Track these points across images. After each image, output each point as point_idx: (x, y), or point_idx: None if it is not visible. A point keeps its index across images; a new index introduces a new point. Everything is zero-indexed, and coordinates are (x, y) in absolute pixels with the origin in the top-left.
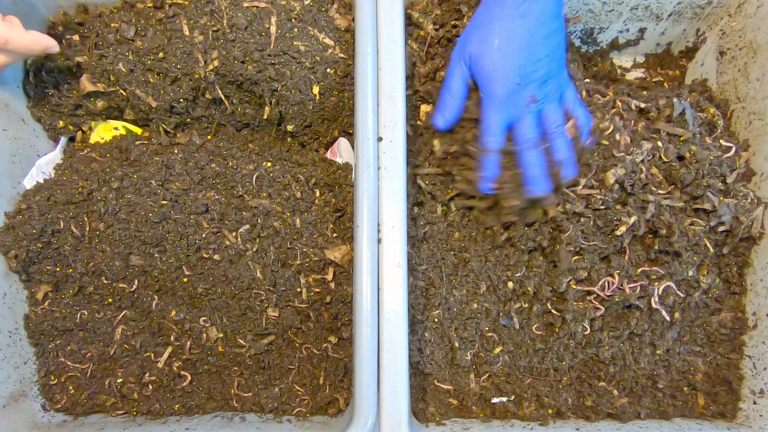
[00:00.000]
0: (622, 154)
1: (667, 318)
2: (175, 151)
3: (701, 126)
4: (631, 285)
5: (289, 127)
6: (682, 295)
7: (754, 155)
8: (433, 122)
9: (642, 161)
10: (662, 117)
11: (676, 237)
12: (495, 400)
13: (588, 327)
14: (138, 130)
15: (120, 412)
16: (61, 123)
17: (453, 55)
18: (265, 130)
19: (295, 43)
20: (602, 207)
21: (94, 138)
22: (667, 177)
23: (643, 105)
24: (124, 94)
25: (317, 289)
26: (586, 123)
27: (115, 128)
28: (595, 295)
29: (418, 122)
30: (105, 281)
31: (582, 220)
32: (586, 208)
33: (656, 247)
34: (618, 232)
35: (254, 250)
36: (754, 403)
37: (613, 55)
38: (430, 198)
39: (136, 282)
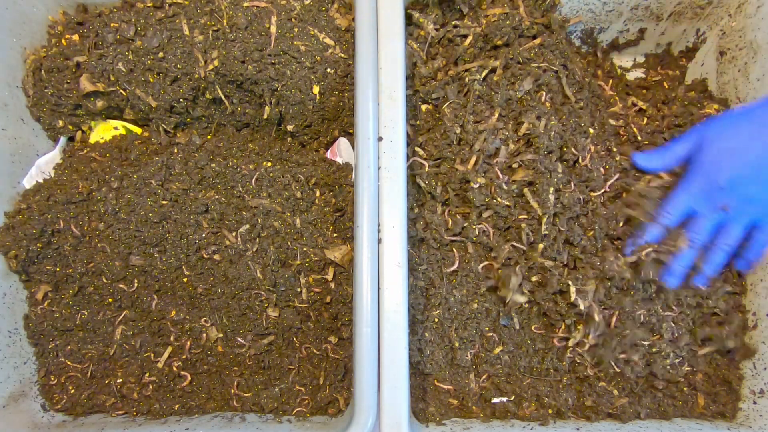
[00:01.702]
0: None
1: (668, 318)
2: (175, 150)
3: None
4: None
5: (289, 127)
6: (682, 298)
7: None
8: (636, 158)
9: None
10: None
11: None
12: (495, 400)
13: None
14: (138, 130)
15: (120, 412)
16: (61, 123)
17: (697, 127)
18: (265, 130)
19: (295, 42)
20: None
21: (93, 138)
22: None
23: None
24: (124, 93)
25: (317, 289)
26: (750, 261)
27: (115, 128)
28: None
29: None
30: (105, 281)
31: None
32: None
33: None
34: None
35: (254, 250)
36: (754, 403)
37: (613, 55)
38: (430, 198)
39: (136, 282)
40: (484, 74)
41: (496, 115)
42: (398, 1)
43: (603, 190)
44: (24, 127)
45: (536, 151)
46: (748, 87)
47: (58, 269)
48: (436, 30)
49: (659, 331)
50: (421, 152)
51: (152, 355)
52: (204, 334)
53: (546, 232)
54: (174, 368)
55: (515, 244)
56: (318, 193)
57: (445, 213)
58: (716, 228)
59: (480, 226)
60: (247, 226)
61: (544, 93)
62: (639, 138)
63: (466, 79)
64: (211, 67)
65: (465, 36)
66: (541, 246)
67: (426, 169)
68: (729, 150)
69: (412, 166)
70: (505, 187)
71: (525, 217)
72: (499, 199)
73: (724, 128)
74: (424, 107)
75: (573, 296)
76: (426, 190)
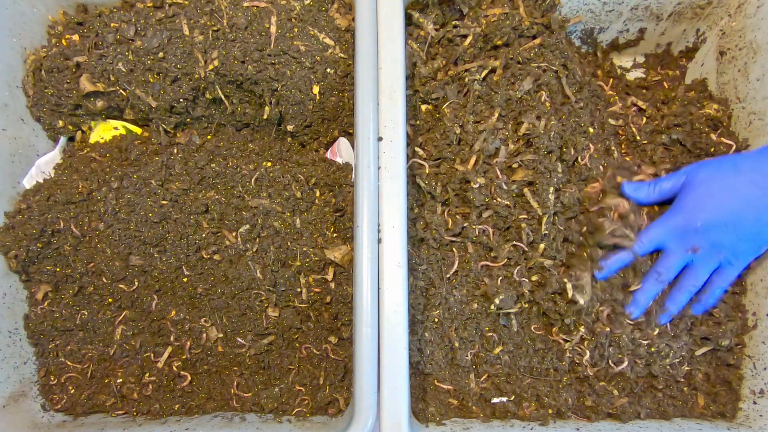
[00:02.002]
0: None
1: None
2: (175, 151)
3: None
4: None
5: (289, 127)
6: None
7: None
8: (625, 187)
9: None
10: None
11: None
12: (495, 400)
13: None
14: (138, 130)
15: (120, 412)
16: (61, 123)
17: (688, 168)
18: (265, 130)
19: (295, 42)
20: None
21: (93, 138)
22: None
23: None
24: (124, 93)
25: (317, 289)
26: (705, 305)
27: (115, 128)
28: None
29: None
30: (105, 281)
31: None
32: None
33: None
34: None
35: (254, 250)
36: (754, 403)
37: (613, 55)
38: (430, 198)
39: (136, 282)
40: (484, 74)
41: (496, 115)
42: (398, 1)
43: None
44: (24, 127)
45: (536, 151)
46: (748, 87)
47: (58, 269)
48: (436, 30)
49: (659, 331)
50: (421, 152)
51: (152, 355)
52: (204, 334)
53: (546, 232)
54: (174, 368)
55: (515, 243)
56: (318, 193)
57: (445, 213)
58: (682, 268)
59: (480, 226)
60: (247, 226)
61: (544, 93)
62: (638, 138)
63: (466, 79)
64: (211, 67)
65: (465, 36)
66: (542, 246)
67: (426, 169)
68: (712, 195)
69: (412, 166)
70: (505, 187)
71: (525, 217)
72: (499, 199)
73: (713, 173)
74: (424, 107)
75: (570, 293)
76: (426, 190)
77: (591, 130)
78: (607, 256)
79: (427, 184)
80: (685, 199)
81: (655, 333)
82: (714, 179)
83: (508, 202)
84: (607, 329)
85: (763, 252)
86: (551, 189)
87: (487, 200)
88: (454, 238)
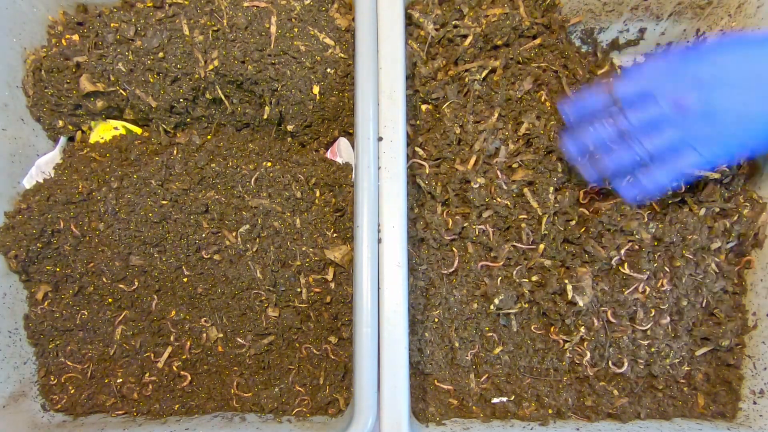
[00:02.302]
0: None
1: (668, 319)
2: (175, 151)
3: None
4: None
5: (289, 127)
6: (684, 303)
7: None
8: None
9: None
10: None
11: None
12: (495, 400)
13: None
14: (138, 130)
15: (120, 412)
16: (61, 123)
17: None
18: (265, 130)
19: (295, 42)
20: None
21: (93, 138)
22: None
23: None
24: (124, 93)
25: (317, 289)
26: (643, 188)
27: (115, 128)
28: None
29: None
30: (105, 281)
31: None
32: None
33: (676, 263)
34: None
35: (254, 250)
36: (754, 403)
37: (613, 55)
38: (430, 198)
39: (136, 282)
40: (484, 74)
41: (496, 115)
42: (398, 1)
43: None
44: (24, 127)
45: (536, 151)
46: None
47: (58, 269)
48: (436, 30)
49: (660, 331)
50: (421, 152)
51: (152, 355)
52: (204, 334)
53: (546, 232)
54: (174, 368)
55: (515, 244)
56: (318, 193)
57: (445, 213)
58: (649, 125)
59: (480, 226)
60: (247, 226)
61: (544, 93)
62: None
63: (466, 79)
64: (211, 67)
65: (465, 36)
66: (541, 246)
67: (426, 169)
68: (733, 48)
69: (412, 166)
70: (505, 187)
71: (525, 217)
72: (499, 199)
73: (743, 37)
74: (424, 107)
75: (570, 294)
76: (426, 190)
77: None
78: (583, 94)
79: (427, 184)
80: (695, 47)
81: (648, 329)
82: (741, 40)
83: (508, 202)
84: (607, 329)
85: (736, 156)
86: (551, 189)
87: (487, 200)
88: (454, 237)
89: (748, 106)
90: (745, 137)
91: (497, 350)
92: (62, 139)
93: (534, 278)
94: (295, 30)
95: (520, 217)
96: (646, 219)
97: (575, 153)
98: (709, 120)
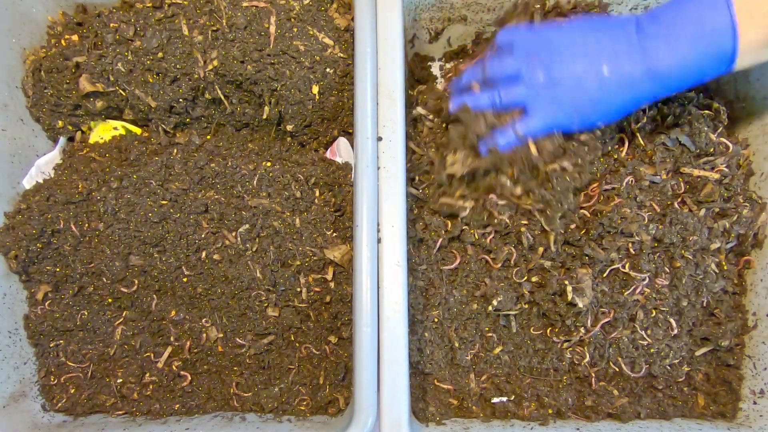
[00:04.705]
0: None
1: (673, 322)
2: (175, 151)
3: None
4: (634, 288)
5: (289, 127)
6: (684, 304)
7: (753, 155)
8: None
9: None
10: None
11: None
12: (495, 400)
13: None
14: (137, 130)
15: (120, 412)
16: (60, 123)
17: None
18: (265, 129)
19: (294, 42)
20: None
21: (93, 138)
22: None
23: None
24: (124, 94)
25: (317, 289)
26: (504, 137)
27: (115, 128)
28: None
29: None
30: (105, 281)
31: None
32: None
33: (676, 264)
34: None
35: (254, 249)
36: (754, 403)
37: None
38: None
39: (136, 282)
40: None
41: None
42: (398, 1)
43: (602, 189)
44: (24, 127)
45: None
46: (748, 87)
47: (58, 269)
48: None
49: (660, 331)
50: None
51: (152, 355)
52: (204, 334)
53: (547, 238)
54: (174, 368)
55: (515, 245)
56: (317, 193)
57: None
58: (507, 78)
59: (480, 230)
60: (247, 226)
61: None
62: (638, 138)
63: None
64: (210, 67)
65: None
66: (541, 248)
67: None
68: (577, 26)
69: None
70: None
71: (525, 222)
72: (500, 217)
73: (587, 17)
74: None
75: (570, 296)
76: (418, 196)
77: None
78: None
79: (419, 192)
80: (557, 23)
81: (648, 330)
82: (585, 19)
83: (507, 220)
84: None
85: (575, 119)
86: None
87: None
88: (452, 238)
89: (580, 71)
90: (578, 103)
91: (497, 350)
92: (62, 140)
93: (534, 279)
94: (295, 30)
95: (521, 222)
96: (646, 220)
97: (452, 93)
98: (550, 85)
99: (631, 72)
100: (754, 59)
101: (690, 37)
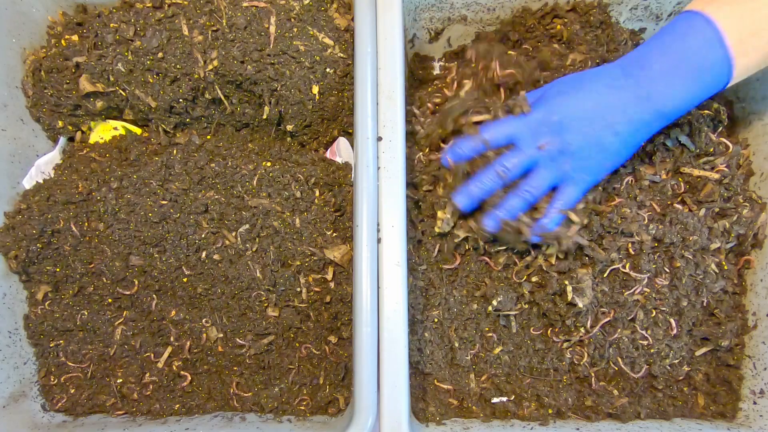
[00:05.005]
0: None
1: (673, 322)
2: (175, 151)
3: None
4: (634, 289)
5: (289, 127)
6: (684, 304)
7: (753, 155)
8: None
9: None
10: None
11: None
12: (495, 399)
13: (588, 328)
14: (137, 130)
15: (120, 412)
16: (60, 123)
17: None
18: (265, 129)
19: (294, 42)
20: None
21: (93, 138)
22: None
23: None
24: (124, 94)
25: (317, 289)
26: (543, 226)
27: (115, 128)
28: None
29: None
30: (105, 281)
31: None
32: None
33: (676, 264)
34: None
35: (254, 249)
36: (754, 403)
37: None
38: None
39: (136, 282)
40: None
41: None
42: (398, 1)
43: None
44: (24, 127)
45: None
46: (748, 87)
47: (58, 269)
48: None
49: (660, 332)
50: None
51: (152, 355)
52: (204, 334)
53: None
54: (174, 368)
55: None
56: (317, 193)
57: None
58: (527, 169)
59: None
60: (247, 226)
61: None
62: None
63: None
64: (210, 67)
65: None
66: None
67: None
68: (571, 95)
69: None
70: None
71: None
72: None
73: (574, 80)
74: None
75: (570, 295)
76: (414, 198)
77: None
78: (457, 142)
79: (414, 194)
80: (544, 100)
81: (648, 330)
82: (574, 84)
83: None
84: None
85: (602, 174)
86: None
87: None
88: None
89: (595, 135)
90: (602, 161)
91: (497, 350)
92: (62, 140)
93: (534, 279)
94: (295, 30)
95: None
96: (646, 220)
97: (468, 205)
98: (572, 157)
99: (641, 118)
100: (744, 77)
101: (689, 76)
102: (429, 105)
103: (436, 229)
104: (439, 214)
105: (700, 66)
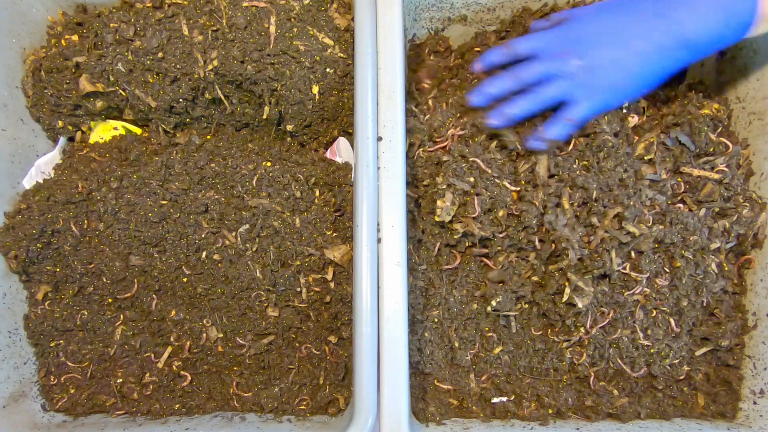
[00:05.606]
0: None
1: (673, 322)
2: (175, 151)
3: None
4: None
5: (289, 127)
6: (684, 304)
7: (753, 155)
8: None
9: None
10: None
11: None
12: (495, 399)
13: (588, 328)
14: (137, 130)
15: (120, 412)
16: (60, 123)
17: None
18: (265, 129)
19: (294, 42)
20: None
21: (93, 138)
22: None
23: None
24: (124, 94)
25: (317, 289)
26: (555, 130)
27: (115, 128)
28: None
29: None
30: (105, 281)
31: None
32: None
33: (676, 263)
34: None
35: (254, 249)
36: (754, 403)
37: None
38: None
39: (136, 282)
40: None
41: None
42: (398, 1)
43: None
44: (24, 127)
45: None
46: (748, 87)
47: (58, 269)
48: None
49: (660, 331)
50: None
51: (152, 355)
52: (204, 334)
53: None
54: (174, 368)
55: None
56: (317, 193)
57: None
58: (549, 78)
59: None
60: (247, 226)
61: None
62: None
63: None
64: (210, 67)
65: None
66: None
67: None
68: (594, 13)
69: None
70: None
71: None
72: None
73: (599, 7)
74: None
75: (567, 296)
76: (412, 196)
77: None
78: (486, 51)
79: (413, 193)
80: (568, 19)
81: (648, 330)
82: (598, 5)
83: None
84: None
85: (620, 96)
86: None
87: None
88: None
89: (615, 53)
90: (618, 82)
91: (497, 350)
92: (62, 140)
93: (534, 279)
94: (295, 30)
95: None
96: (648, 220)
97: (480, 101)
98: (590, 72)
99: (663, 42)
100: (765, 28)
101: (713, 4)
102: (429, 102)
103: (436, 218)
104: (439, 203)
105: None
